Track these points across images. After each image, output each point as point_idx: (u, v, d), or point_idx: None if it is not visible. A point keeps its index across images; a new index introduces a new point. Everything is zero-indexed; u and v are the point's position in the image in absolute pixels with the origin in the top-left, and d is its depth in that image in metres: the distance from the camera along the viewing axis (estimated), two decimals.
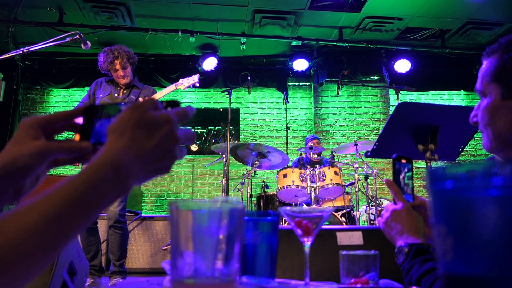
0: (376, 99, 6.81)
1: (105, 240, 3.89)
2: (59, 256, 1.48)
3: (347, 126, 6.70)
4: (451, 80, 6.63)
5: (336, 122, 6.72)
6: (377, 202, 4.43)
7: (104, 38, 5.83)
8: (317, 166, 4.39)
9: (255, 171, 4.49)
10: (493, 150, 1.05)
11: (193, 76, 3.69)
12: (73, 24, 5.31)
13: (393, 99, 6.76)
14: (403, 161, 1.12)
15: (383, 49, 6.28)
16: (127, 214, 3.79)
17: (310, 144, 4.77)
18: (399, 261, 1.01)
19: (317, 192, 4.07)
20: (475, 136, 1.79)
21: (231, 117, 4.16)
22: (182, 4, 5.16)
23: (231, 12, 5.36)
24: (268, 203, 4.49)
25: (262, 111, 6.92)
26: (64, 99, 6.90)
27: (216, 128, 6.76)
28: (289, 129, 6.63)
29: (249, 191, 4.47)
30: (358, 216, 4.05)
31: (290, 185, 4.08)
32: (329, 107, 6.78)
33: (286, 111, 6.74)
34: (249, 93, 4.65)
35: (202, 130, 6.68)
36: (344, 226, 3.80)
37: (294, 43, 6.14)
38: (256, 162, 4.08)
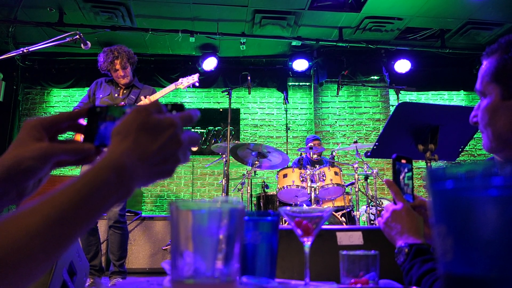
0: (376, 99, 6.81)
1: (105, 240, 3.89)
2: None
3: (347, 126, 6.70)
4: (451, 80, 6.64)
5: (336, 122, 6.72)
6: (377, 202, 4.43)
7: (104, 38, 5.83)
8: (317, 166, 4.39)
9: (255, 171, 4.49)
10: (493, 150, 1.05)
11: (192, 76, 3.69)
12: (73, 24, 5.32)
13: (393, 99, 6.76)
14: (403, 161, 1.12)
15: (383, 49, 6.28)
16: (127, 214, 3.79)
17: (310, 144, 4.77)
18: (399, 261, 1.01)
19: (317, 192, 4.07)
20: (475, 136, 1.79)
21: (231, 117, 4.16)
22: (182, 4, 5.16)
23: (231, 12, 5.36)
24: (268, 203, 4.49)
25: (262, 111, 6.92)
26: (64, 99, 6.90)
27: (216, 128, 6.76)
28: (289, 129, 6.63)
29: (249, 191, 4.47)
30: (358, 216, 4.05)
31: (290, 185, 4.08)
32: (329, 107, 6.78)
33: (286, 111, 6.74)
34: (249, 93, 4.65)
35: (202, 130, 6.68)
36: (344, 226, 3.80)
37: (294, 43, 6.14)
38: (256, 162, 4.08)
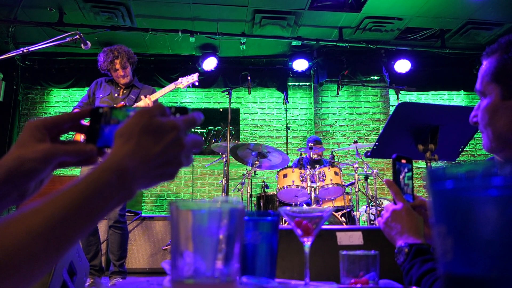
0: (376, 99, 6.81)
1: (105, 240, 3.89)
2: None
3: (347, 126, 6.70)
4: (451, 80, 6.63)
5: (336, 122, 6.72)
6: (377, 202, 4.43)
7: (104, 38, 5.83)
8: (317, 166, 4.39)
9: (255, 171, 4.49)
10: (493, 150, 1.05)
11: (192, 75, 3.69)
12: (73, 24, 5.32)
13: (393, 99, 6.76)
14: (403, 161, 1.12)
15: (383, 49, 6.28)
16: (127, 214, 3.79)
17: (310, 144, 4.77)
18: (399, 261, 1.01)
19: (317, 192, 4.07)
20: (475, 136, 1.79)
21: (231, 117, 4.16)
22: (182, 4, 5.16)
23: (231, 12, 5.36)
24: (268, 203, 4.49)
25: (262, 111, 6.92)
26: (64, 99, 6.90)
27: (216, 128, 6.76)
28: (289, 129, 6.62)
29: (249, 191, 4.47)
30: (358, 216, 4.05)
31: (290, 185, 4.08)
32: (329, 107, 6.78)
33: (286, 111, 6.74)
34: (249, 93, 4.65)
35: (202, 130, 6.68)
36: (344, 226, 3.80)
37: (294, 43, 6.14)
38: (256, 162, 4.08)
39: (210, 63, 6.11)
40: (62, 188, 0.49)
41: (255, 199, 4.64)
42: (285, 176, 4.18)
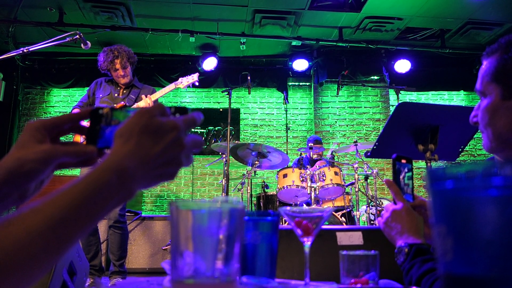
0: (376, 99, 6.81)
1: (105, 240, 3.89)
2: None
3: (347, 126, 6.70)
4: (451, 80, 6.63)
5: (336, 122, 6.72)
6: (377, 202, 4.43)
7: (104, 38, 5.83)
8: (317, 166, 4.39)
9: (255, 171, 4.49)
10: (493, 150, 1.05)
11: (192, 75, 3.69)
12: (73, 24, 5.32)
13: (393, 99, 6.76)
14: (403, 161, 1.12)
15: (383, 49, 6.28)
16: (127, 214, 3.79)
17: (310, 144, 4.77)
18: (399, 261, 1.01)
19: (317, 192, 4.07)
20: (475, 136, 1.79)
21: (231, 117, 4.16)
22: (182, 4, 5.16)
23: (231, 12, 5.36)
24: (268, 203, 4.49)
25: (262, 111, 6.92)
26: (64, 99, 6.90)
27: (216, 128, 6.76)
28: (289, 129, 6.63)
29: (249, 191, 4.47)
30: (358, 216, 4.05)
31: (290, 185, 4.08)
32: (329, 107, 6.78)
33: (286, 111, 6.74)
34: (249, 93, 4.65)
35: (202, 130, 6.68)
36: (344, 226, 3.80)
37: (294, 43, 6.14)
38: (256, 162, 4.08)
39: (210, 63, 6.11)
40: (62, 188, 0.49)
41: (255, 199, 4.64)
42: (285, 176, 4.18)
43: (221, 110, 6.84)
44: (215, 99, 6.92)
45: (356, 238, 1.58)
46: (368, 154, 1.87)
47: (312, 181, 4.10)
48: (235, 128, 6.79)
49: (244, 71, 5.96)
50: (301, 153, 5.27)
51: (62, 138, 0.65)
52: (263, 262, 0.79)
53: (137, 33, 5.71)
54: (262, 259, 0.80)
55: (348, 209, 4.31)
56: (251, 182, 4.55)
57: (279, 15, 5.42)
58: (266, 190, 4.61)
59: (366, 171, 4.43)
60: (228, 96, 4.15)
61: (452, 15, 5.39)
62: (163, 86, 4.50)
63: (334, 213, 4.10)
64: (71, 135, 3.20)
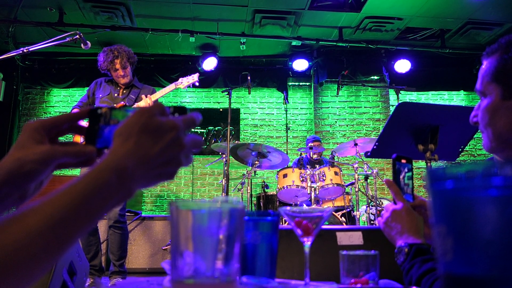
0: (376, 99, 6.81)
1: (105, 240, 3.89)
2: None
3: (347, 126, 6.71)
4: (451, 80, 6.63)
5: (336, 122, 6.72)
6: (377, 202, 4.43)
7: (104, 38, 5.83)
8: (317, 166, 4.39)
9: (255, 171, 4.49)
10: (493, 150, 1.05)
11: (192, 75, 3.69)
12: (73, 24, 5.32)
13: (393, 99, 6.76)
14: (403, 161, 1.12)
15: (383, 49, 6.28)
16: (127, 214, 3.79)
17: (310, 144, 4.77)
18: (399, 261, 1.01)
19: (317, 192, 4.07)
20: (475, 136, 1.79)
21: (231, 117, 4.16)
22: (182, 4, 5.16)
23: (231, 12, 5.36)
24: (268, 203, 4.49)
25: (262, 111, 6.93)
26: (64, 99, 6.90)
27: (216, 128, 6.76)
28: (289, 129, 6.63)
29: (249, 191, 4.47)
30: (358, 216, 4.05)
31: (290, 185, 4.08)
32: (329, 107, 6.78)
33: (286, 111, 6.74)
34: (249, 93, 4.65)
35: (202, 130, 6.68)
36: (344, 226, 3.80)
37: (294, 43, 6.14)
38: (256, 162, 4.08)
39: (210, 63, 6.11)
40: (61, 187, 0.49)
41: (255, 199, 4.64)
42: (285, 176, 4.18)
43: (221, 110, 6.84)
44: (215, 99, 6.92)
45: (356, 238, 1.58)
46: (368, 154, 1.87)
47: (312, 181, 4.10)
48: (235, 128, 6.79)
49: (244, 71, 5.95)
50: (301, 153, 5.27)
51: (62, 138, 0.65)
52: (263, 262, 0.79)
53: (137, 33, 5.71)
54: (262, 259, 0.80)
55: (348, 209, 4.31)
56: (251, 182, 4.55)
57: (279, 15, 5.42)
58: (266, 190, 4.61)
59: (366, 171, 4.43)
60: (228, 96, 4.15)
61: (452, 15, 5.39)
62: (163, 86, 4.50)
63: (334, 213, 4.10)
64: (71, 136, 3.20)
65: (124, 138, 0.54)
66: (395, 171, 1.10)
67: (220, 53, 6.40)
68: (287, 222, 1.31)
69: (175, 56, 6.55)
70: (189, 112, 0.61)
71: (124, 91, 3.51)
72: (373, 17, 5.47)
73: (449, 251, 0.36)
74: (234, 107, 6.77)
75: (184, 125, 0.57)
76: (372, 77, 6.58)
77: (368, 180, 4.68)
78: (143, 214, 4.59)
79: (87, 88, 3.59)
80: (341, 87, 5.34)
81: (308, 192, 4.06)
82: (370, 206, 4.49)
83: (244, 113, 6.89)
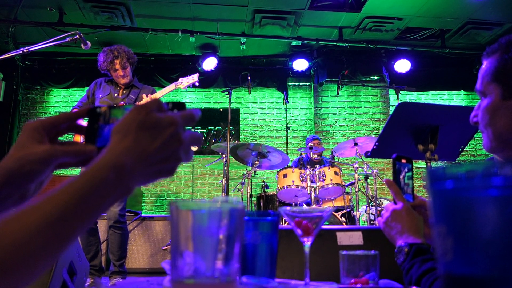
0: (376, 99, 6.81)
1: (105, 240, 3.89)
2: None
3: (347, 126, 6.71)
4: (451, 80, 6.64)
5: (336, 122, 6.72)
6: (377, 202, 4.43)
7: (104, 38, 5.83)
8: (317, 166, 4.39)
9: (255, 171, 4.49)
10: (493, 150, 1.05)
11: (192, 76, 3.69)
12: (73, 24, 5.32)
13: (393, 99, 6.76)
14: (403, 161, 1.12)
15: (383, 49, 6.28)
16: (127, 214, 3.79)
17: (310, 144, 4.77)
18: (399, 261, 1.01)
19: (317, 192, 4.07)
20: (475, 136, 1.79)
21: (231, 117, 4.16)
22: (182, 4, 5.16)
23: (231, 12, 5.36)
24: (268, 203, 4.49)
25: (262, 111, 6.93)
26: (64, 99, 6.90)
27: (216, 128, 6.76)
28: (289, 129, 6.63)
29: (249, 191, 4.47)
30: (358, 216, 4.05)
31: (290, 185, 4.08)
32: (329, 107, 6.78)
33: (286, 111, 6.74)
34: (249, 93, 4.65)
35: (202, 130, 6.68)
36: (344, 226, 3.80)
37: (294, 43, 6.14)
38: (256, 162, 4.08)
39: (210, 63, 6.11)
40: (59, 185, 0.49)
41: (255, 199, 4.64)
42: (285, 176, 4.18)
43: (221, 110, 6.84)
44: (215, 99, 6.92)
45: (356, 238, 1.58)
46: (368, 154, 1.87)
47: (312, 181, 4.10)
48: (235, 128, 6.79)
49: (244, 71, 5.95)
50: (301, 153, 5.27)
51: (62, 138, 0.65)
52: (263, 262, 0.79)
53: (137, 33, 5.71)
54: (262, 259, 0.80)
55: (348, 209, 4.31)
56: (251, 182, 4.55)
57: (279, 15, 5.42)
58: (266, 190, 4.61)
59: (366, 171, 4.43)
60: (228, 96, 4.15)
61: (452, 15, 5.39)
62: (163, 86, 4.50)
63: (334, 213, 4.10)
64: (71, 135, 3.21)
65: (122, 135, 0.54)
66: (395, 171, 1.10)
67: (220, 53, 6.40)
68: (287, 222, 1.31)
69: (175, 56, 6.55)
70: (187, 108, 0.60)
71: (124, 91, 3.51)
72: (373, 17, 5.47)
73: (449, 251, 0.36)
74: (234, 107, 6.77)
75: (183, 121, 0.56)
76: (372, 77, 6.58)
77: (368, 180, 4.68)
78: (143, 214, 4.59)
79: (87, 88, 3.59)
80: (341, 87, 5.34)
81: (308, 192, 4.06)
82: (370, 206, 4.49)
83: (244, 113, 6.89)
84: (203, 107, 6.84)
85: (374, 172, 4.30)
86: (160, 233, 4.46)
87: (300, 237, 0.83)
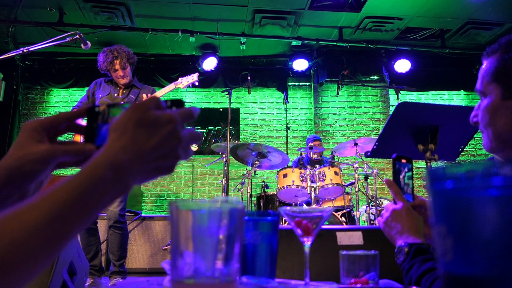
0: (376, 99, 6.81)
1: (105, 240, 3.89)
2: (59, 256, 1.48)
3: (347, 126, 6.71)
4: (451, 80, 6.64)
5: (336, 122, 6.72)
6: (377, 202, 4.43)
7: (104, 38, 5.83)
8: (317, 166, 4.39)
9: (255, 171, 4.49)
10: (493, 150, 1.05)
11: (192, 75, 3.68)
12: (73, 24, 5.32)
13: (393, 99, 6.76)
14: (403, 161, 1.12)
15: (383, 49, 6.28)
16: (127, 214, 3.79)
17: (310, 144, 4.77)
18: (399, 261, 1.01)
19: (317, 192, 4.07)
20: (475, 136, 1.79)
21: (231, 117, 4.16)
22: (182, 4, 5.16)
23: (231, 12, 5.36)
24: (268, 203, 4.49)
25: (262, 111, 6.93)
26: (64, 99, 6.90)
27: (216, 128, 6.76)
28: (289, 129, 6.63)
29: (249, 191, 4.47)
30: (358, 216, 4.05)
31: (290, 185, 4.08)
32: (329, 107, 6.78)
33: (286, 111, 6.74)
34: (249, 93, 4.65)
35: (202, 130, 6.68)
36: (344, 226, 3.80)
37: (294, 43, 6.14)
38: (256, 162, 4.08)
39: (210, 63, 6.11)
40: (57, 184, 0.49)
41: (255, 199, 4.64)
42: (285, 176, 4.18)
43: (221, 110, 6.84)
44: (215, 99, 6.92)
45: (356, 238, 1.58)
46: (368, 154, 1.86)
47: (312, 181, 4.10)
48: (235, 128, 6.79)
49: (244, 71, 5.95)
50: (301, 153, 5.27)
51: (62, 138, 0.65)
52: (263, 262, 0.79)
53: (137, 33, 5.71)
54: (262, 259, 0.80)
55: (348, 209, 4.31)
56: (251, 182, 4.55)
57: (279, 15, 5.42)
58: (266, 190, 4.61)
59: (366, 171, 4.43)
60: (228, 96, 4.15)
61: (452, 15, 5.39)
62: (163, 86, 4.50)
63: (334, 213, 4.09)
64: (71, 135, 3.21)
65: (119, 133, 0.54)
66: (395, 171, 1.10)
67: (220, 53, 6.40)
68: (287, 222, 1.31)
69: (175, 56, 6.55)
70: (186, 105, 0.60)
71: (124, 91, 3.51)
72: (373, 17, 5.47)
73: (449, 251, 0.36)
74: (234, 107, 6.77)
75: (181, 118, 0.56)
76: (372, 77, 6.58)
77: (368, 180, 4.68)
78: (143, 214, 4.59)
79: (87, 88, 3.59)
80: (341, 87, 5.34)
81: (308, 192, 4.06)
82: (370, 206, 4.49)
83: (244, 113, 6.89)
84: (203, 107, 6.84)
85: (374, 172, 4.30)
86: (160, 233, 4.46)
87: (300, 237, 0.83)
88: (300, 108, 6.96)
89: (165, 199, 6.59)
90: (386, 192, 6.00)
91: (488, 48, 1.05)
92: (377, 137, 1.83)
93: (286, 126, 6.59)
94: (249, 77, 4.47)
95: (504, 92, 0.99)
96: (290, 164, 4.58)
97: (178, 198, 6.52)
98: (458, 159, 1.91)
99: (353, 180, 4.28)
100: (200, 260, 0.52)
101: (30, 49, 2.85)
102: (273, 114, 6.91)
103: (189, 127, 0.58)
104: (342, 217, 4.14)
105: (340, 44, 5.93)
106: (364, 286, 0.82)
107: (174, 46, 6.21)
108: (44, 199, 0.48)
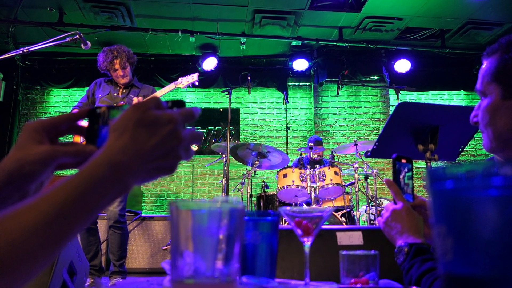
0: (376, 99, 6.81)
1: (105, 240, 3.89)
2: (59, 256, 1.48)
3: (347, 126, 6.71)
4: (451, 80, 6.64)
5: (336, 122, 6.72)
6: (377, 202, 4.43)
7: (104, 38, 5.83)
8: (317, 166, 4.39)
9: (255, 171, 4.49)
10: (493, 150, 1.05)
11: (192, 75, 3.69)
12: (73, 24, 5.32)
13: (393, 99, 6.76)
14: (403, 161, 1.12)
15: (383, 49, 6.28)
16: (127, 214, 3.79)
17: (310, 144, 4.77)
18: (399, 261, 1.01)
19: (317, 192, 4.07)
20: (475, 136, 1.79)
21: (231, 117, 4.16)
22: (182, 4, 5.16)
23: (231, 12, 5.36)
24: (268, 203, 4.49)
25: (262, 111, 6.93)
26: (64, 99, 6.90)
27: (216, 128, 6.76)
28: (289, 129, 6.62)
29: (249, 191, 4.47)
30: (358, 216, 4.05)
31: (290, 185, 4.08)
32: (329, 107, 6.78)
33: (286, 111, 6.74)
34: (249, 93, 4.65)
35: (202, 130, 6.68)
36: (344, 226, 3.80)
37: (294, 43, 6.14)
38: (256, 162, 4.08)
39: (210, 63, 6.11)
40: (56, 184, 0.49)
41: (255, 199, 4.64)
42: (285, 176, 4.18)
43: (221, 110, 6.84)
44: (215, 99, 6.93)
45: (356, 238, 1.58)
46: (368, 154, 1.86)
47: (312, 181, 4.10)
48: (235, 128, 6.79)
49: (244, 71, 5.95)
50: (301, 153, 5.27)
51: (62, 139, 0.65)
52: (263, 262, 0.79)
53: (137, 33, 5.71)
54: (262, 259, 0.80)
55: (348, 209, 4.31)
56: (251, 182, 4.55)
57: (279, 15, 5.42)
58: (266, 190, 4.61)
59: (366, 171, 4.43)
60: (228, 96, 4.15)
61: (452, 15, 5.39)
62: (163, 86, 4.50)
63: (334, 213, 4.09)
64: (71, 136, 3.20)
65: (119, 133, 0.54)
66: (395, 171, 1.10)
67: (220, 53, 6.40)
68: (287, 222, 1.31)
69: (175, 56, 6.55)
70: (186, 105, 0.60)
71: (124, 91, 3.51)
72: (373, 17, 5.47)
73: (449, 251, 0.36)
74: (234, 107, 6.77)
75: (182, 118, 0.56)
76: (372, 77, 6.58)
77: (368, 180, 4.68)
78: (143, 214, 4.59)
79: (87, 88, 3.59)
80: (341, 87, 5.34)
81: (308, 192, 4.06)
82: (370, 206, 4.49)
83: (244, 113, 6.89)
84: (203, 107, 6.84)
85: (374, 172, 4.30)
86: (160, 233, 4.46)
87: (300, 237, 0.83)
88: (300, 108, 6.96)
89: (165, 199, 6.59)
90: (386, 192, 6.00)
91: (488, 48, 1.05)
92: (377, 138, 1.83)
93: (286, 126, 6.59)
94: (249, 77, 4.47)
95: (504, 92, 0.99)
96: (290, 164, 4.58)
97: (178, 198, 6.52)
98: (458, 159, 1.91)
99: (353, 180, 4.28)
100: (200, 260, 0.52)
101: (30, 49, 2.85)
102: (273, 114, 6.91)
103: (189, 127, 0.58)
104: (342, 217, 4.13)
105: (340, 44, 5.93)
106: (364, 286, 0.82)
107: (174, 46, 6.21)
108: (43, 199, 0.48)
